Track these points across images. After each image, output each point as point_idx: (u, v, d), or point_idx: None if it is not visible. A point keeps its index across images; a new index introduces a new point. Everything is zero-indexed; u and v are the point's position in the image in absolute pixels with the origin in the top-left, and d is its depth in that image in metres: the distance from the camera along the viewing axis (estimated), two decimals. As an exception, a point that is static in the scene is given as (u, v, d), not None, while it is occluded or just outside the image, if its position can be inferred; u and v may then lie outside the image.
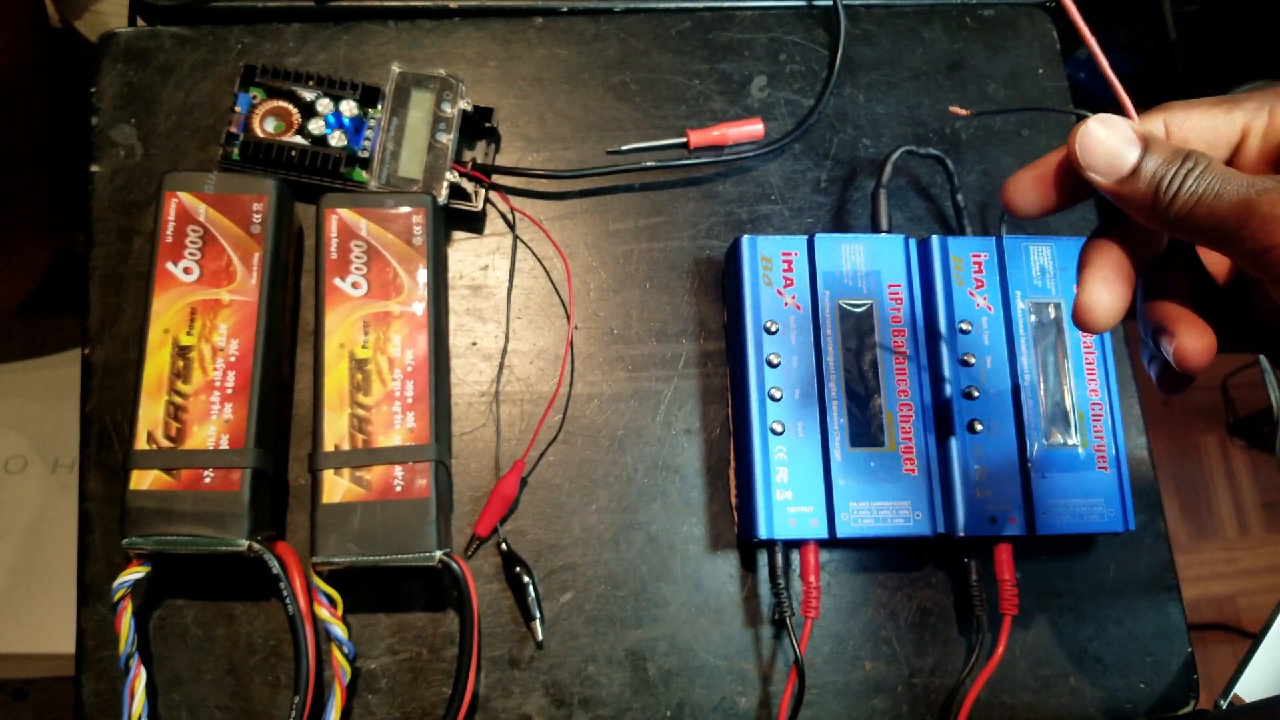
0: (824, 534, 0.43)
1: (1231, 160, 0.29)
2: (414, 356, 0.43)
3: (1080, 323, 0.30)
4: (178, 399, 0.41)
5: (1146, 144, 0.28)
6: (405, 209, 0.45)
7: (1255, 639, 0.58)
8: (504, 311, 0.49)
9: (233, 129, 0.47)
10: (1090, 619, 0.47)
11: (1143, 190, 0.27)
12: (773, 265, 0.46)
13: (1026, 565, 0.47)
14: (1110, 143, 0.28)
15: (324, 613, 0.41)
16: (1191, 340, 0.29)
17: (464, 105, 0.48)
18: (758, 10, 0.55)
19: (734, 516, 0.47)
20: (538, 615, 0.44)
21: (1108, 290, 0.29)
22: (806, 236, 0.47)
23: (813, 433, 0.44)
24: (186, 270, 0.43)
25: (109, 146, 0.49)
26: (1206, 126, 0.29)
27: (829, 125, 0.53)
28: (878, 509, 0.43)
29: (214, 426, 0.41)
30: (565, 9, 0.53)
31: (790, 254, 0.46)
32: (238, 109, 0.47)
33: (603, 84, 0.53)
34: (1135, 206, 0.28)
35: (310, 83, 0.48)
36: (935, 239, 0.47)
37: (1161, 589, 0.48)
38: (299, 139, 0.47)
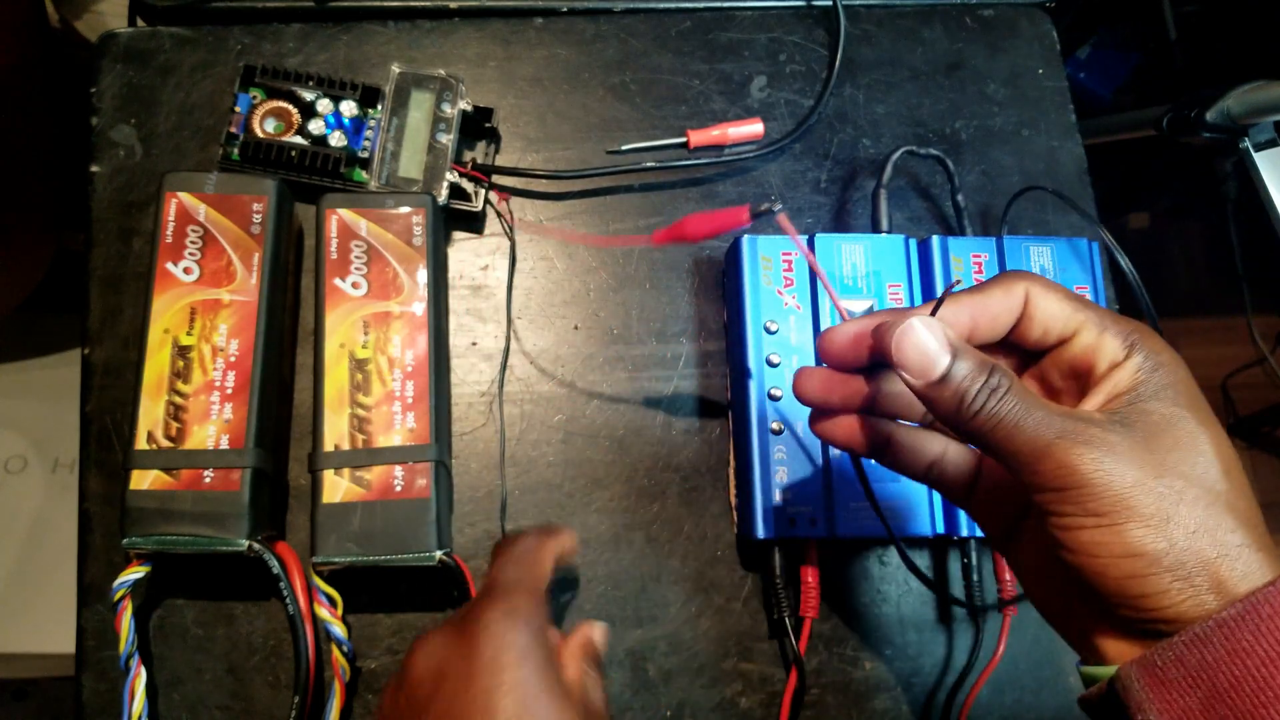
0: (824, 534, 0.43)
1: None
2: (414, 356, 0.43)
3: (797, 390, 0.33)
4: (178, 399, 0.41)
5: (955, 352, 0.27)
6: (405, 209, 0.45)
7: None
8: (504, 311, 0.49)
9: (233, 129, 0.47)
10: (1090, 619, 0.47)
11: (949, 398, 0.27)
12: (773, 265, 0.46)
13: (1026, 565, 0.47)
14: (925, 345, 0.28)
15: (324, 613, 0.41)
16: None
17: (464, 105, 0.48)
18: (758, 10, 0.55)
19: (734, 516, 0.47)
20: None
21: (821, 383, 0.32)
22: (806, 236, 0.47)
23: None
24: (186, 270, 0.43)
25: (109, 146, 0.49)
26: (1056, 315, 0.29)
27: (829, 125, 0.53)
28: (878, 509, 0.43)
29: (214, 426, 0.41)
30: (565, 9, 0.53)
31: (790, 254, 0.46)
32: (238, 109, 0.47)
33: (603, 84, 0.52)
34: (942, 412, 0.28)
35: (310, 83, 0.48)
36: (935, 239, 0.47)
37: (1161, 589, 0.48)
38: (299, 139, 0.47)
